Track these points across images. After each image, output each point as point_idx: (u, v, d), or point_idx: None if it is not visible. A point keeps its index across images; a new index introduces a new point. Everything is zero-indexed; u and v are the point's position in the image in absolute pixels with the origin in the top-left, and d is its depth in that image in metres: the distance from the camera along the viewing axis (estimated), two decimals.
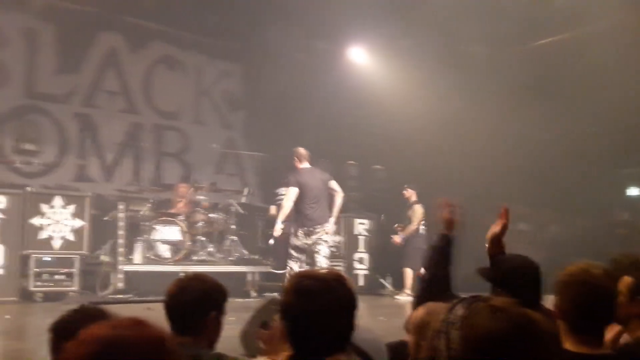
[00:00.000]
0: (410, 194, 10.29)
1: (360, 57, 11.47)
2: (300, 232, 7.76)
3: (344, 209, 11.15)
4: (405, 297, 9.63)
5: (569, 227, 10.85)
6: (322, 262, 7.72)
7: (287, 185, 7.98)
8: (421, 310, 2.48)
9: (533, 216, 10.54)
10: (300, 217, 7.78)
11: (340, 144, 11.47)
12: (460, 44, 10.47)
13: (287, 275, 7.82)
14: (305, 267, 7.72)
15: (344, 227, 10.86)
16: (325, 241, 7.87)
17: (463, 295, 1.62)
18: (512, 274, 2.68)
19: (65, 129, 10.31)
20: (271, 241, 8.37)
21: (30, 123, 9.85)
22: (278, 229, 7.82)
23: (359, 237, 11.02)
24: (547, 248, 9.55)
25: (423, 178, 10.47)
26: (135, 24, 10.90)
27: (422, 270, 9.55)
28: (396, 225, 10.50)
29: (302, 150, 8.07)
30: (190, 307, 2.52)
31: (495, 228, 2.98)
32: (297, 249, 7.80)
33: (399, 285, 10.26)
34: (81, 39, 10.44)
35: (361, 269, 10.90)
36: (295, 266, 7.74)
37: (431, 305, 2.54)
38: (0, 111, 9.57)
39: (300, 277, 1.95)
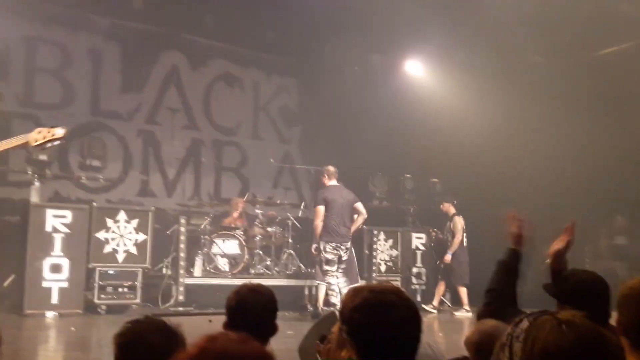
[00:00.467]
0: (447, 207, 10.17)
1: (416, 69, 11.43)
2: (328, 247, 8.27)
3: (401, 223, 11.16)
4: (464, 314, 9.47)
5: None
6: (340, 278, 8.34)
7: (315, 203, 8.59)
8: (472, 329, 2.44)
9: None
10: (327, 231, 8.29)
11: (396, 157, 11.40)
12: (519, 54, 10.27)
13: (327, 290, 8.26)
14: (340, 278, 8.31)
15: (401, 241, 10.78)
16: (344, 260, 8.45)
17: (527, 311, 1.58)
18: (579, 290, 2.60)
19: (129, 145, 10.65)
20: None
21: (95, 140, 10.21)
22: (313, 249, 8.49)
23: (416, 251, 10.89)
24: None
25: (482, 191, 10.29)
26: (196, 42, 11.19)
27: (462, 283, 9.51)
28: (432, 229, 10.48)
29: (330, 168, 8.65)
30: (255, 316, 2.59)
31: (559, 244, 2.90)
32: (329, 262, 8.28)
33: (456, 302, 10.08)
34: (144, 58, 10.82)
35: (419, 284, 10.77)
36: (332, 280, 8.22)
37: (481, 324, 2.50)
38: (68, 128, 9.93)
39: (359, 290, 1.93)
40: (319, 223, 8.34)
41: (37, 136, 3.38)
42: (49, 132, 3.44)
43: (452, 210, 10.12)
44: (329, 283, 8.24)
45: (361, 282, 8.42)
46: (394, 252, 10.74)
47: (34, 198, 8.25)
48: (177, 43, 11.09)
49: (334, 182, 8.59)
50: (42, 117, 9.76)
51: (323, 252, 8.28)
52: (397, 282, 9.76)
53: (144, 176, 10.76)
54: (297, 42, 10.96)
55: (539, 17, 8.95)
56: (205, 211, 9.99)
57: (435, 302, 9.97)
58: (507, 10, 8.84)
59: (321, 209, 8.35)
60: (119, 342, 2.11)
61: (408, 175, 11.43)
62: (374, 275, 10.33)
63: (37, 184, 8.33)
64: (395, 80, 11.47)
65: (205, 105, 11.57)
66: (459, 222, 9.97)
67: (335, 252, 8.29)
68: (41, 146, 3.42)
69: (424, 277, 10.84)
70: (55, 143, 3.48)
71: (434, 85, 11.13)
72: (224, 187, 11.59)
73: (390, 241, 10.71)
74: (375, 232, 10.53)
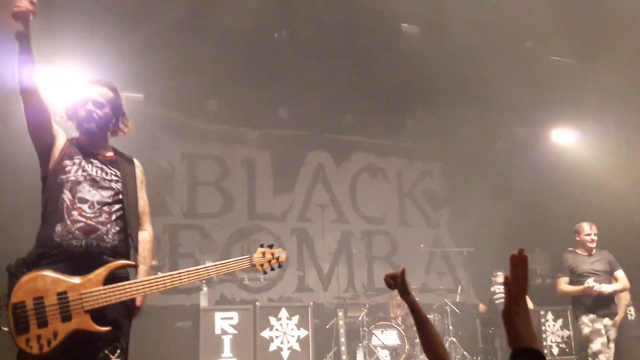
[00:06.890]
0: None
1: (565, 137, 10.97)
2: None
3: (569, 300, 10.39)
4: None
5: None
6: None
7: None
8: None
9: None
10: None
11: (554, 230, 10.81)
12: None
13: None
14: None
15: (572, 320, 10.02)
16: None
17: None
18: None
19: (284, 244, 11.11)
20: None
21: (254, 242, 10.81)
22: None
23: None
24: None
25: None
26: (338, 140, 11.72)
27: None
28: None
29: None
30: None
31: None
32: None
33: None
34: (292, 161, 11.47)
35: None
36: None
37: None
38: (229, 233, 10.67)
39: None
40: None
41: (262, 260, 3.42)
42: (272, 255, 3.45)
43: None
44: None
45: None
46: (566, 333, 10.00)
47: (203, 303, 8.77)
48: (320, 143, 11.67)
49: None
50: (205, 225, 10.57)
51: None
52: None
53: (300, 272, 11.12)
54: (436, 127, 11.05)
55: None
56: (361, 302, 10.02)
57: None
58: None
59: None
60: None
61: (571, 249, 10.75)
62: (548, 359, 9.62)
63: (205, 289, 8.89)
64: (542, 151, 11.07)
65: (351, 198, 11.89)
66: (624, 297, 9.11)
67: None
68: (265, 270, 3.45)
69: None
70: (277, 268, 3.48)
71: (587, 152, 10.58)
72: (377, 276, 11.61)
73: (560, 321, 10.02)
74: (542, 312, 9.92)
